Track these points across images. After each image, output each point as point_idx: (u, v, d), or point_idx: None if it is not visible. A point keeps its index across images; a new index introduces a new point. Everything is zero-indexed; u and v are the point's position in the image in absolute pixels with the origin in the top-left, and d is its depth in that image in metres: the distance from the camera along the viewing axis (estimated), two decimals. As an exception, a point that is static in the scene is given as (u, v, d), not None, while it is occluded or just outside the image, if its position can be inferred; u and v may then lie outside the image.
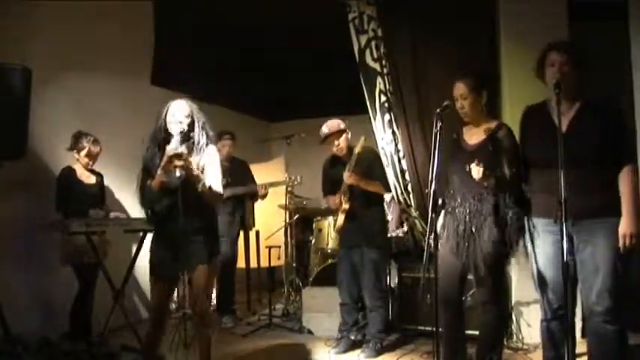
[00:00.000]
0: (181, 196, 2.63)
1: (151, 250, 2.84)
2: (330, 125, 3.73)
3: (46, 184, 3.78)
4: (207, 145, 2.76)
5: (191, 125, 2.73)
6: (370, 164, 3.70)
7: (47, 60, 3.86)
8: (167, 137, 2.69)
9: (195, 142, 2.73)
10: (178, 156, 2.55)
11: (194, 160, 2.68)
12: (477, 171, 2.49)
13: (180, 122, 2.68)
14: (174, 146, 2.59)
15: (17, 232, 3.75)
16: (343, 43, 4.52)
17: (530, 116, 2.60)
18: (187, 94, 5.41)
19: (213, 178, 2.72)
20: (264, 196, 4.81)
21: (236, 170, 4.69)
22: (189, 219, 2.66)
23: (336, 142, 3.70)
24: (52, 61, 3.96)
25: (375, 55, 4.36)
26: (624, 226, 2.28)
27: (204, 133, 2.75)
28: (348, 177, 3.54)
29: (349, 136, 3.76)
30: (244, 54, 6.67)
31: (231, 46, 6.35)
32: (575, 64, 2.38)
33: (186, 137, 2.69)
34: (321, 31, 5.47)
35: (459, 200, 2.73)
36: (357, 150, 3.54)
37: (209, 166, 2.74)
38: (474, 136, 2.80)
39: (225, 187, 4.38)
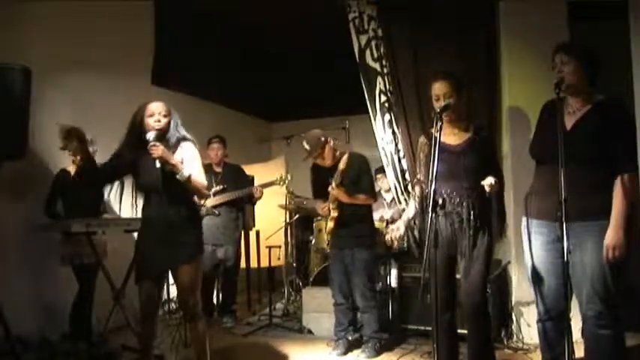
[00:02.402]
0: (163, 188, 2.71)
1: (137, 248, 2.88)
2: (310, 142, 3.66)
3: (46, 184, 3.78)
4: (182, 141, 2.83)
5: (167, 125, 2.79)
6: (359, 173, 3.64)
7: (47, 60, 3.86)
8: (142, 136, 2.75)
9: (170, 141, 2.78)
10: (153, 146, 2.65)
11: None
12: (490, 186, 2.52)
13: (159, 121, 2.76)
14: (149, 138, 2.69)
15: (17, 232, 3.75)
16: (343, 43, 4.52)
17: (545, 112, 2.57)
18: (188, 94, 5.47)
19: (193, 169, 2.77)
20: (259, 198, 4.79)
21: (230, 175, 4.66)
22: (172, 217, 2.74)
23: (323, 157, 3.68)
24: (52, 61, 3.96)
25: (375, 55, 4.36)
26: (608, 238, 2.24)
27: (178, 132, 2.83)
28: (332, 190, 3.54)
29: (332, 144, 3.69)
30: (244, 54, 6.67)
31: (231, 45, 6.35)
32: (579, 65, 2.36)
33: (162, 136, 2.75)
34: (321, 31, 5.47)
35: (447, 201, 2.72)
36: (341, 166, 3.49)
37: (188, 159, 2.79)
38: (453, 137, 2.79)
39: (221, 192, 4.40)
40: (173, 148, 2.77)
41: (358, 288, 3.63)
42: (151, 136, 2.70)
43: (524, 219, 2.57)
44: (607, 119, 2.32)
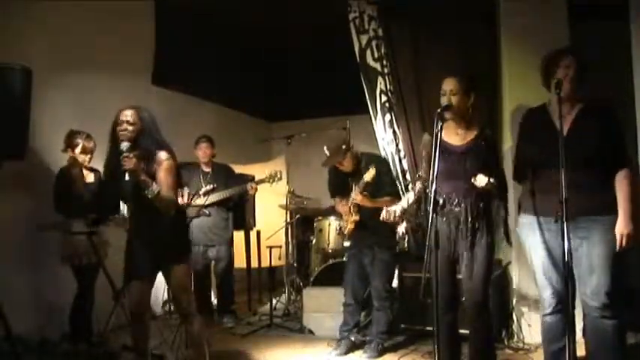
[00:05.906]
0: (135, 199, 2.72)
1: (126, 250, 2.89)
2: (332, 149, 3.58)
3: (46, 184, 3.77)
4: (157, 149, 2.73)
5: (139, 133, 2.71)
6: (380, 179, 3.53)
7: (47, 60, 3.86)
8: (117, 144, 2.70)
9: (144, 150, 2.70)
10: (126, 157, 2.58)
11: (145, 167, 2.67)
12: (482, 181, 2.54)
13: (126, 130, 2.69)
14: (122, 149, 2.62)
15: (17, 232, 3.75)
16: (343, 43, 4.52)
17: (531, 118, 2.65)
18: (188, 94, 5.46)
19: (162, 185, 2.67)
20: (252, 195, 4.76)
21: (219, 175, 4.64)
22: (154, 224, 2.73)
23: (342, 164, 3.62)
24: (52, 61, 3.96)
25: (376, 55, 4.37)
26: (621, 226, 2.35)
27: (152, 141, 2.73)
28: (356, 198, 3.49)
29: (352, 149, 3.62)
30: (244, 54, 6.67)
31: (231, 45, 6.35)
32: (577, 68, 2.43)
33: (134, 144, 2.67)
34: (321, 31, 5.47)
35: (447, 201, 2.73)
36: (367, 179, 3.38)
37: (159, 172, 2.70)
38: (457, 137, 2.79)
39: (211, 192, 4.38)
40: (145, 159, 2.68)
41: (376, 289, 3.63)
42: (124, 147, 2.62)
43: (528, 216, 2.57)
44: (599, 121, 2.43)
